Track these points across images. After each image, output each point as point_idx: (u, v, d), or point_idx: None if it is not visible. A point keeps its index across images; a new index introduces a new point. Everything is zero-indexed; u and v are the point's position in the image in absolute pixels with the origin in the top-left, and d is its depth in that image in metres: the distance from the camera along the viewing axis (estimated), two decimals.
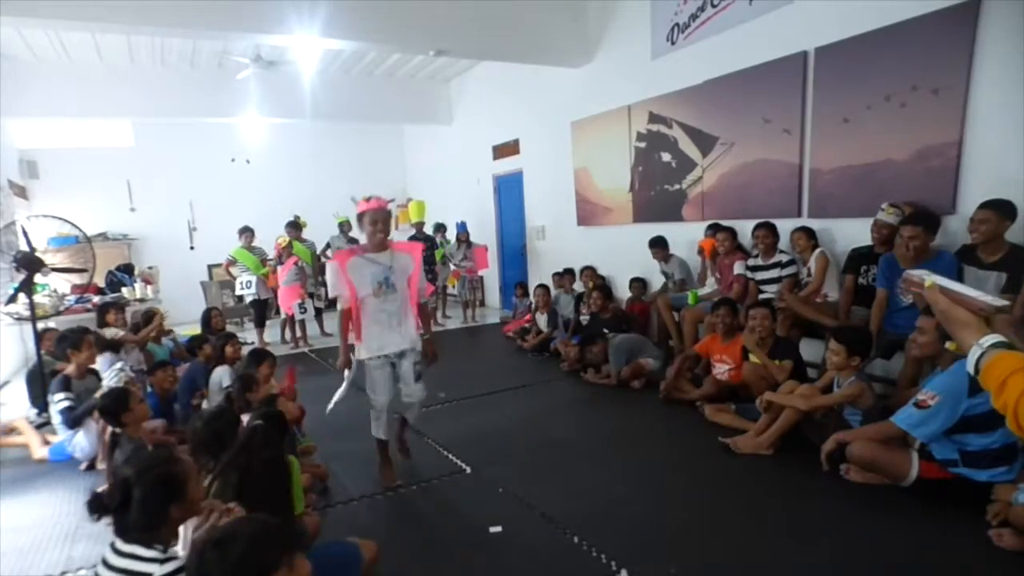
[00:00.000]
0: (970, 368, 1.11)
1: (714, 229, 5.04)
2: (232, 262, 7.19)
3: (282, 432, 2.20)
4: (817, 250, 4.21)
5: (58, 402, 3.74)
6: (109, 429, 3.22)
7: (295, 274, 7.00)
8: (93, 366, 4.17)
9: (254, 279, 7.11)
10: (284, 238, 7.12)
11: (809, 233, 4.30)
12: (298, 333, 7.27)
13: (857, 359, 3.14)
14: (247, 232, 7.30)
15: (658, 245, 5.61)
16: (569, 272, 6.69)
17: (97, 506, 1.56)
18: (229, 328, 5.99)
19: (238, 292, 7.30)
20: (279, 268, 7.05)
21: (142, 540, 1.53)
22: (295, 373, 4.06)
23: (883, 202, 3.83)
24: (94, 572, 1.58)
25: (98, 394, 3.50)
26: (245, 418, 3.07)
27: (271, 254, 7.61)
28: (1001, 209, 3.14)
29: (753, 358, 3.77)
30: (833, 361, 3.19)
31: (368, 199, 3.11)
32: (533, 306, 6.72)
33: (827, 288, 4.17)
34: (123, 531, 1.55)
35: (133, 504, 1.53)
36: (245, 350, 4.61)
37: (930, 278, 1.19)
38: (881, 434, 2.78)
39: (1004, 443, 2.48)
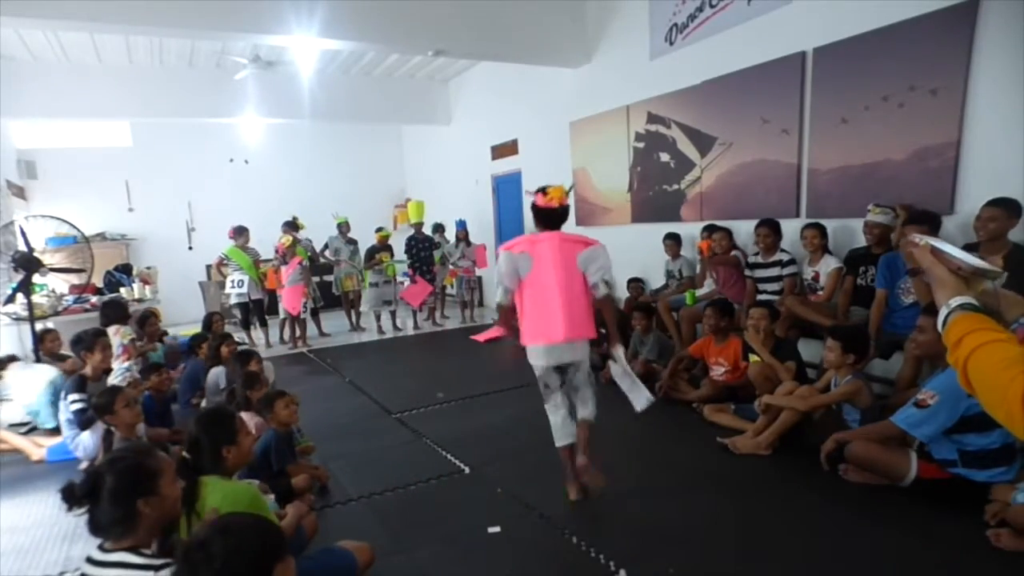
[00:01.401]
0: (939, 327, 1.13)
1: (709, 230, 5.03)
2: (224, 261, 7.14)
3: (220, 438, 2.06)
4: (834, 265, 4.09)
5: (72, 403, 3.73)
6: (103, 428, 3.23)
7: (299, 274, 6.97)
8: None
9: (246, 279, 7.07)
10: (287, 238, 7.08)
11: (822, 231, 4.16)
12: (297, 333, 7.26)
13: (852, 357, 3.14)
14: (243, 232, 7.28)
15: (673, 239, 5.56)
16: None
17: (69, 495, 1.50)
18: (228, 330, 5.97)
19: (227, 290, 7.23)
20: (283, 268, 7.02)
21: (117, 539, 1.48)
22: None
23: (880, 202, 3.84)
24: None
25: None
26: (248, 416, 3.10)
27: (265, 255, 7.61)
28: (1008, 207, 3.13)
29: (755, 357, 3.77)
30: (829, 358, 3.20)
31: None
32: None
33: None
34: (96, 527, 1.51)
35: (103, 495, 1.48)
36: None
37: (926, 239, 1.22)
38: (881, 434, 2.78)
39: (1003, 443, 2.48)
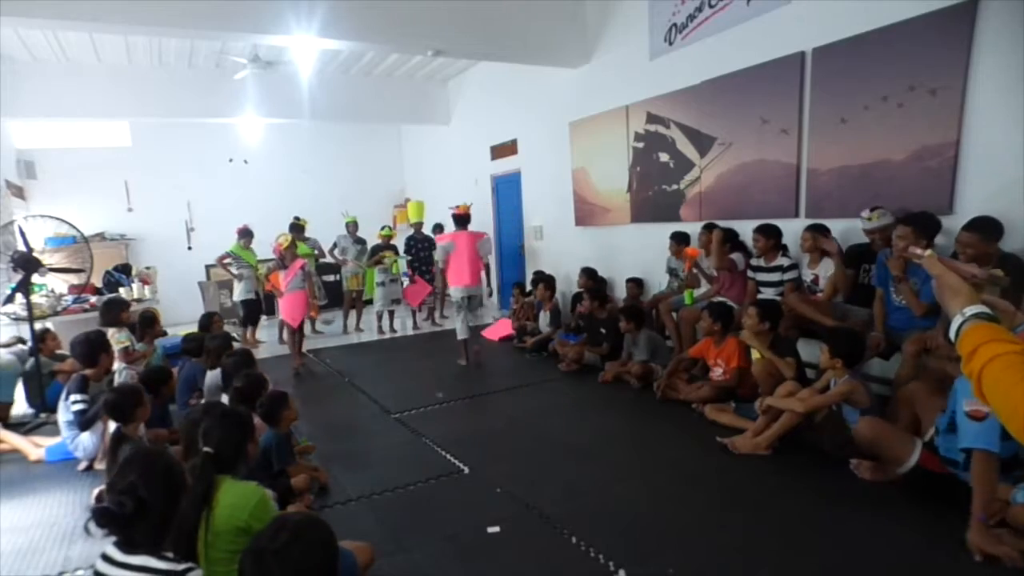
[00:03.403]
0: (951, 335, 1.13)
1: (708, 229, 5.01)
2: (228, 258, 7.13)
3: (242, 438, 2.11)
4: (835, 267, 3.99)
5: (74, 403, 3.72)
6: (113, 429, 3.20)
7: (301, 279, 6.05)
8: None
9: (253, 278, 7.10)
10: (286, 236, 6.17)
11: (819, 234, 4.08)
12: (298, 348, 7.21)
13: (839, 361, 3.14)
14: (249, 235, 7.27)
15: (679, 240, 5.38)
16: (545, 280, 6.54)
17: (108, 519, 1.41)
18: (227, 329, 5.96)
19: (237, 286, 7.21)
20: (282, 273, 6.05)
21: (151, 547, 1.43)
22: None
23: (880, 202, 3.82)
24: None
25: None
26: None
27: (264, 255, 7.58)
28: (984, 231, 3.03)
29: (756, 354, 3.77)
30: (823, 358, 3.23)
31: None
32: (536, 303, 6.68)
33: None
34: (132, 542, 1.44)
35: (150, 510, 1.42)
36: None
37: (929, 251, 1.23)
38: (993, 472, 2.32)
39: (1012, 453, 2.44)
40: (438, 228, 8.50)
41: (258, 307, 7.37)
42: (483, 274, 5.94)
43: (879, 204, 3.81)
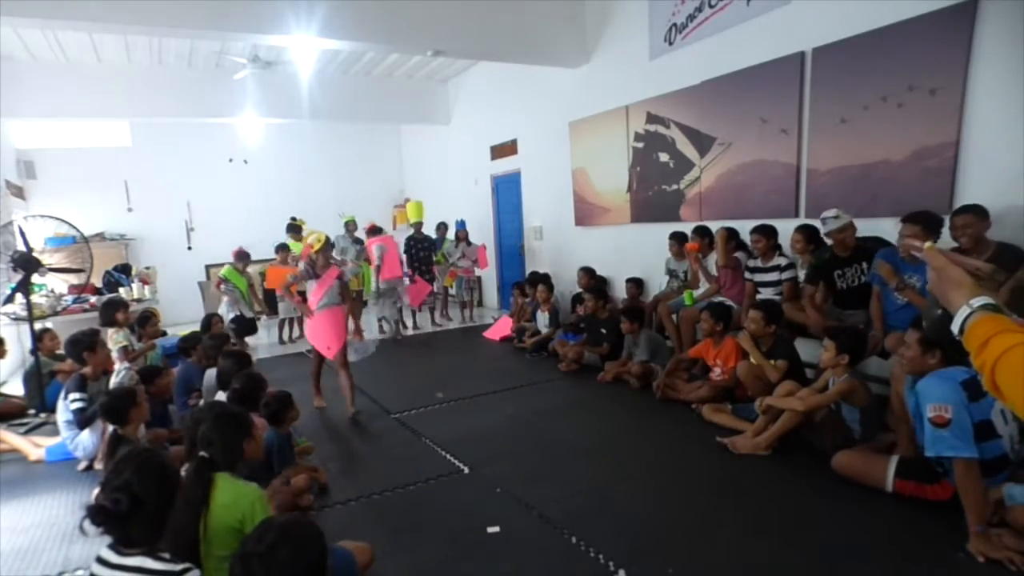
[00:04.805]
0: (955, 328, 1.11)
1: (700, 234, 5.02)
2: (222, 281, 7.03)
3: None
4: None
5: (72, 402, 3.73)
6: (110, 430, 3.21)
7: (338, 293, 4.43)
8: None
9: (241, 300, 7.00)
10: (318, 236, 4.49)
11: (809, 235, 4.15)
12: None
13: (846, 357, 3.15)
14: (244, 258, 7.16)
15: (678, 240, 5.39)
16: (541, 280, 6.53)
17: (103, 516, 1.40)
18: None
19: (220, 310, 6.93)
20: (311, 284, 4.43)
21: (147, 546, 1.44)
22: None
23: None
24: None
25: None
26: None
27: (266, 254, 7.52)
28: (976, 212, 3.13)
29: (751, 357, 3.77)
30: (824, 358, 3.23)
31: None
32: (533, 305, 6.69)
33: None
34: (128, 541, 1.44)
35: (145, 507, 1.42)
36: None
37: (928, 243, 1.22)
38: (977, 482, 2.32)
39: (998, 455, 2.44)
40: (441, 226, 8.50)
41: (248, 323, 7.22)
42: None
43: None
